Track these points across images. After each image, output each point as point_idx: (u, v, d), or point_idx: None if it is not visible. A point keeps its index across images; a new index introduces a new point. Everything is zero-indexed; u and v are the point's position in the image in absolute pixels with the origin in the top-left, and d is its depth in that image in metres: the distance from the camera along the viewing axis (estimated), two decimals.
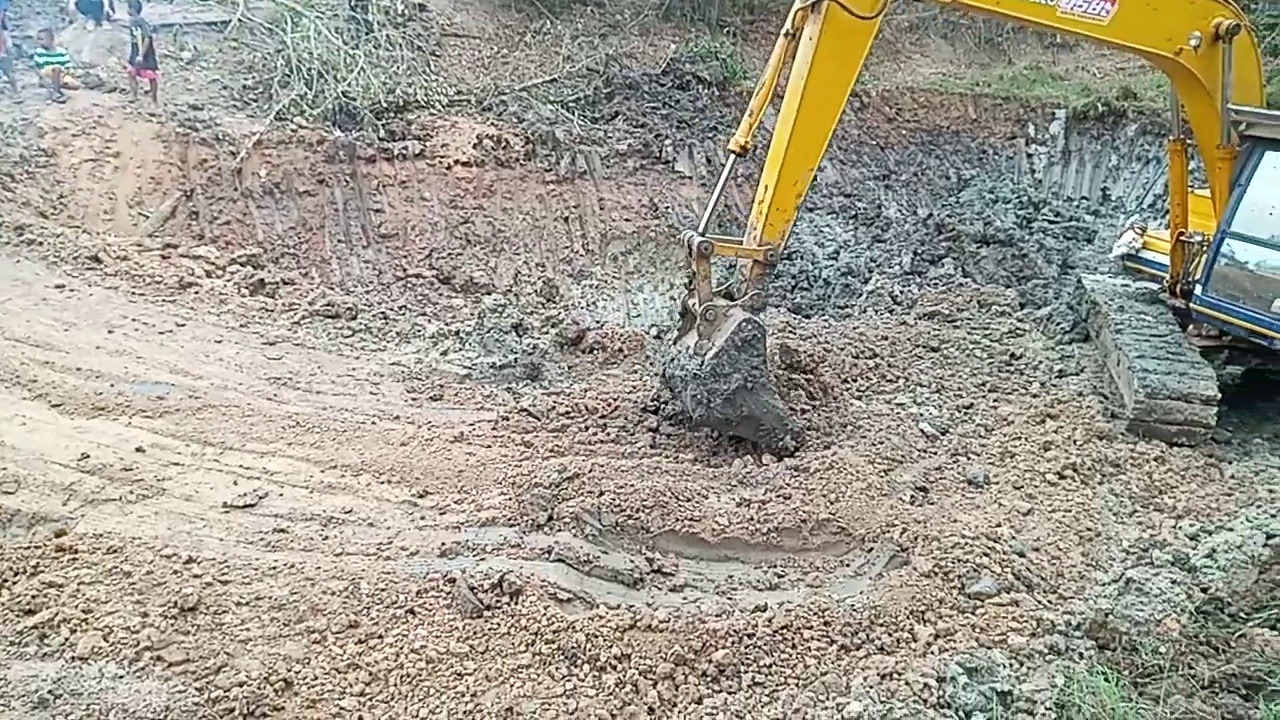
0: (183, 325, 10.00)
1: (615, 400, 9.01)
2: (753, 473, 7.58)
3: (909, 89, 20.78)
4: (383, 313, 11.69)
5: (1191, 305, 9.59)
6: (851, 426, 8.66)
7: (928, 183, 19.45)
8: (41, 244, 11.28)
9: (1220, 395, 8.58)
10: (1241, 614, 5.47)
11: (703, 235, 7.89)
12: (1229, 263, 9.04)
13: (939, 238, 15.86)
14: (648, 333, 12.06)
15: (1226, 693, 4.53)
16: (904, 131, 20.16)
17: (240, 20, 17.26)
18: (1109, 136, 19.70)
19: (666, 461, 7.82)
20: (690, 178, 17.43)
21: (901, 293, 13.49)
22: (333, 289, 12.93)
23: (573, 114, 17.68)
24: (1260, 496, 7.60)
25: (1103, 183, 19.49)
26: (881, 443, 8.21)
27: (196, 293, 11.04)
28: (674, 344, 8.52)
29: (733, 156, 8.23)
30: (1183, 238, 9.89)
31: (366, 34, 17.21)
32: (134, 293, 10.70)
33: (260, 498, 6.58)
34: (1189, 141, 9.67)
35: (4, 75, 14.48)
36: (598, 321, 13.65)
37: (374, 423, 8.15)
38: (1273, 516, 7.10)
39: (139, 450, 7.03)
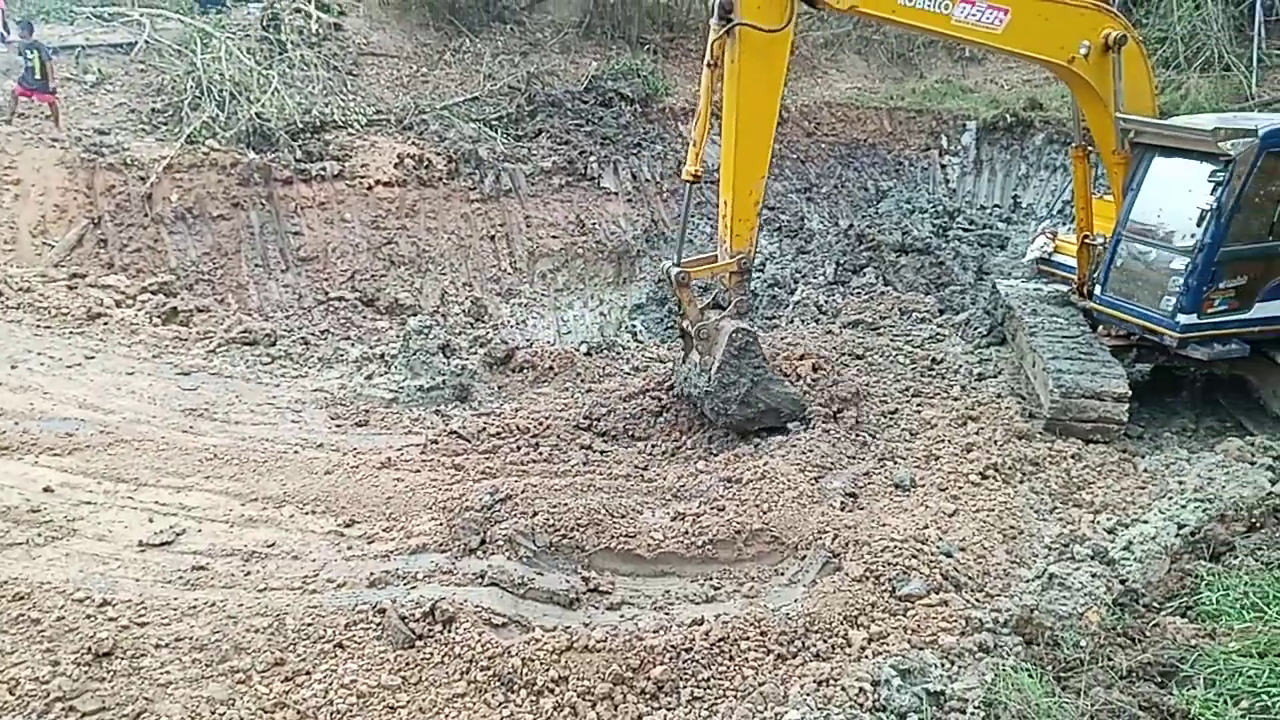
0: (92, 358, 9.59)
1: (547, 419, 8.96)
2: (686, 485, 7.61)
3: (826, 104, 21.20)
4: (303, 338, 11.42)
5: (1092, 305, 9.99)
6: (782, 435, 8.77)
7: (848, 195, 19.86)
8: None
9: (1131, 392, 8.96)
10: (1155, 604, 5.67)
11: (678, 265, 8.57)
12: (1124, 263, 9.48)
13: (860, 248, 16.21)
14: (578, 350, 12.02)
15: (1143, 681, 4.66)
16: (823, 145, 20.55)
17: (147, 41, 16.70)
18: (1018, 146, 20.40)
19: (600, 478, 7.79)
20: (616, 194, 17.48)
21: (826, 302, 13.73)
22: (250, 315, 12.57)
23: (495, 132, 17.54)
24: (1171, 488, 7.93)
25: (1013, 190, 20.18)
26: (811, 450, 8.32)
27: (106, 323, 10.61)
28: (683, 364, 9.14)
29: (689, 185, 8.71)
30: (1087, 240, 10.28)
31: (280, 54, 16.81)
32: (39, 325, 10.23)
33: (177, 534, 6.35)
34: (1090, 148, 10.10)
35: None
36: (527, 340, 13.59)
37: (296, 452, 7.93)
38: (1183, 507, 7.39)
39: (47, 490, 6.72)
